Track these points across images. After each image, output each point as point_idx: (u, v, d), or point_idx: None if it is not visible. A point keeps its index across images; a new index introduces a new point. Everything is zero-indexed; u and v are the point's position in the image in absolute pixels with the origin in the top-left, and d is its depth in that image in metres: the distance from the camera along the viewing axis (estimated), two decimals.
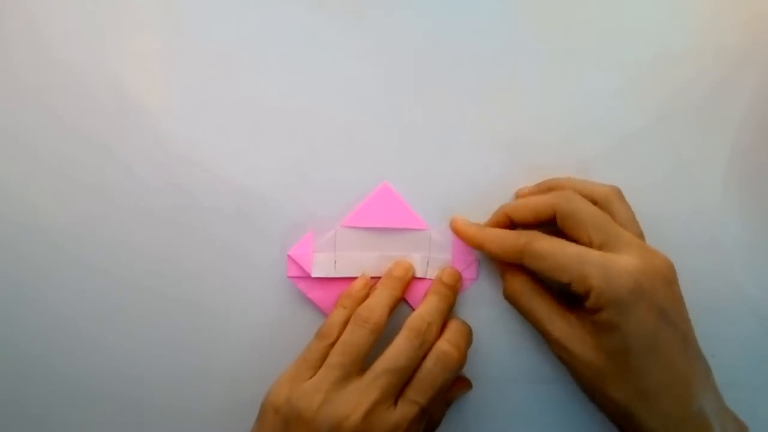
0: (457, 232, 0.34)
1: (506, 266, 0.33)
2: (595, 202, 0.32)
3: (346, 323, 0.32)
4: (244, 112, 0.36)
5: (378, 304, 0.32)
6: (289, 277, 0.35)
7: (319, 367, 0.31)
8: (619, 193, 0.33)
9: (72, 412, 0.36)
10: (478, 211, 0.35)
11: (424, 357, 0.31)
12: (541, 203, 0.32)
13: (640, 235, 0.32)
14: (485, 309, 0.36)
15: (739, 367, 0.35)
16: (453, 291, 0.34)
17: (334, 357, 0.31)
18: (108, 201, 0.36)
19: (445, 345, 0.31)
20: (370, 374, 0.30)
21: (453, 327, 0.32)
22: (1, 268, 0.36)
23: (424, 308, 0.32)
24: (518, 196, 0.35)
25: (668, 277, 0.29)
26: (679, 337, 0.28)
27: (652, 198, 0.36)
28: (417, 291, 0.35)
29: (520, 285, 0.32)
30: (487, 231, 0.33)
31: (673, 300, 0.29)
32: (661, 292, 0.28)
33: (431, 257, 0.35)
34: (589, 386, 0.30)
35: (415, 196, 0.36)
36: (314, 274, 0.35)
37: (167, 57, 0.36)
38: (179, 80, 0.36)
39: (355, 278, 0.35)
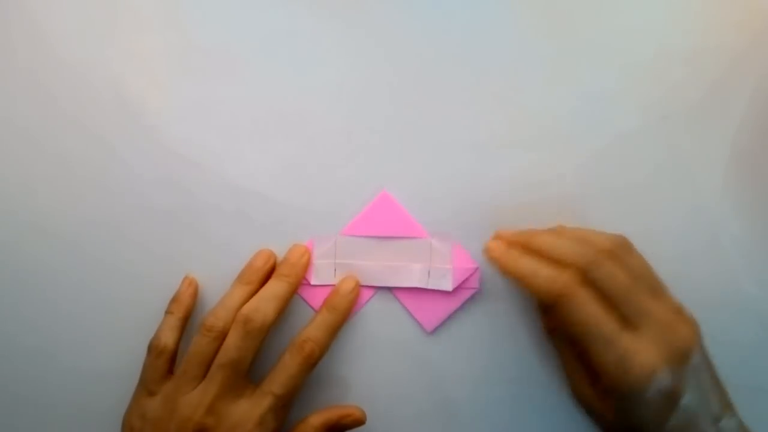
0: (491, 259, 0.32)
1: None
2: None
3: (175, 329, 0.33)
4: (244, 112, 0.36)
5: (223, 308, 0.33)
6: None
7: (159, 380, 0.32)
8: (625, 246, 0.30)
9: (78, 407, 0.36)
10: (478, 213, 0.35)
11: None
12: (569, 254, 0.29)
13: (655, 287, 0.30)
14: (486, 319, 0.36)
15: (739, 367, 0.35)
16: (295, 271, 0.34)
17: (181, 367, 0.32)
18: (108, 200, 0.36)
19: (301, 336, 0.33)
20: (209, 373, 0.32)
21: (315, 320, 0.34)
22: (1, 265, 0.36)
23: (257, 296, 0.33)
24: (497, 236, 0.34)
25: (688, 360, 0.28)
26: (694, 418, 0.28)
27: (651, 198, 0.36)
28: (418, 300, 0.35)
29: (555, 326, 0.33)
30: (528, 262, 0.30)
31: (692, 382, 0.28)
32: (679, 381, 0.27)
33: (432, 267, 0.35)
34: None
35: (415, 201, 0.36)
36: (314, 282, 0.35)
37: (167, 57, 0.36)
38: (179, 80, 0.36)
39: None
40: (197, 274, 0.36)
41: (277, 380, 0.32)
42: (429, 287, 0.35)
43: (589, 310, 0.28)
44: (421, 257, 0.35)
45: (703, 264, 0.35)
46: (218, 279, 0.35)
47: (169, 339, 0.33)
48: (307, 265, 0.35)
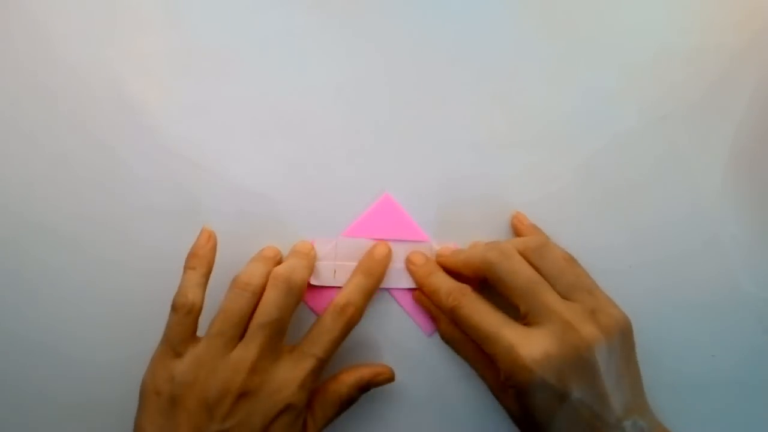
0: (408, 271, 0.35)
1: (438, 311, 0.34)
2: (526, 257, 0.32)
3: (199, 286, 0.32)
4: (244, 112, 0.36)
5: (256, 267, 0.32)
6: None
7: (188, 340, 0.31)
8: (542, 245, 0.32)
9: (79, 405, 0.36)
10: (478, 213, 0.35)
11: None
12: (477, 261, 0.32)
13: (572, 285, 0.31)
14: None
15: (739, 367, 0.35)
16: (311, 260, 0.34)
17: (215, 326, 0.31)
18: (108, 200, 0.36)
19: (341, 299, 0.32)
20: (247, 334, 0.30)
21: (352, 283, 0.33)
22: (3, 265, 0.36)
23: (290, 257, 0.33)
24: (438, 255, 0.35)
25: (584, 357, 0.28)
26: (588, 415, 0.28)
27: (651, 197, 0.36)
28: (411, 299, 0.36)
29: (450, 332, 0.34)
30: (430, 278, 0.34)
31: (585, 379, 0.28)
32: (569, 377, 0.28)
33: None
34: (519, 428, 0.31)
35: (414, 200, 0.36)
36: (314, 282, 0.35)
37: (167, 57, 0.36)
38: (179, 80, 0.36)
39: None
40: None
41: (319, 342, 0.31)
42: None
43: (476, 316, 0.30)
44: None
45: (703, 264, 0.35)
46: (218, 279, 0.35)
47: (196, 296, 0.31)
48: (314, 260, 0.35)
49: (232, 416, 0.29)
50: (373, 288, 0.34)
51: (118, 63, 0.36)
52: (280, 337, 0.31)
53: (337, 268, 0.35)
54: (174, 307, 0.31)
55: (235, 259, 0.35)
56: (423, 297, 0.35)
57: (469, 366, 0.34)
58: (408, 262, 0.35)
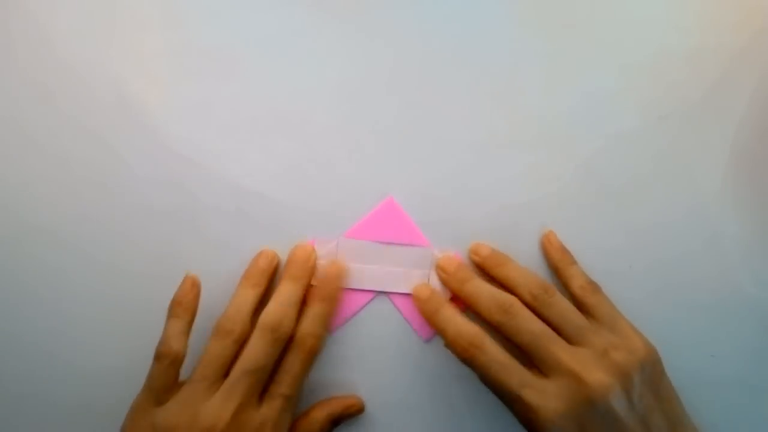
0: (415, 305, 0.35)
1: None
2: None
3: (183, 334, 0.32)
4: (244, 112, 0.36)
5: (238, 312, 0.32)
6: None
7: (171, 388, 0.31)
8: (547, 292, 0.32)
9: (77, 407, 0.36)
10: (478, 213, 0.35)
11: (286, 349, 0.32)
12: (484, 313, 0.32)
13: (580, 328, 0.31)
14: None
15: (739, 367, 0.35)
16: (306, 273, 0.34)
17: (198, 372, 0.31)
18: (108, 200, 0.36)
19: (301, 333, 0.32)
20: (230, 379, 0.31)
21: (309, 314, 0.33)
22: (2, 265, 0.36)
23: (276, 301, 0.33)
24: (439, 267, 0.35)
25: (599, 408, 0.29)
26: None
27: (651, 198, 0.36)
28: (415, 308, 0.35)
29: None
30: (444, 316, 0.33)
31: (606, 428, 0.29)
32: (588, 429, 0.28)
33: (432, 274, 0.35)
34: None
35: (414, 200, 0.36)
36: (313, 282, 0.35)
37: (167, 57, 0.36)
38: (179, 80, 0.36)
39: (353, 290, 0.35)
40: (197, 274, 0.35)
41: (285, 382, 0.32)
42: None
43: (491, 372, 0.30)
44: (421, 264, 0.35)
45: (703, 264, 0.35)
46: (218, 279, 0.35)
47: (180, 345, 0.31)
48: (314, 267, 0.35)
49: None
50: (332, 312, 0.34)
51: (118, 63, 0.36)
52: (262, 384, 0.31)
53: None
54: (157, 357, 0.31)
55: (235, 259, 0.35)
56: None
57: (468, 372, 0.34)
58: (414, 297, 0.35)
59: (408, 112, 0.36)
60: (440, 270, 0.35)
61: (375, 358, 0.35)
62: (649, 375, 0.30)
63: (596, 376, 0.29)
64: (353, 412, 0.34)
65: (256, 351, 0.31)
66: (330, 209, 0.36)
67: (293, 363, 0.32)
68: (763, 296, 0.35)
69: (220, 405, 0.30)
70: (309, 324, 0.33)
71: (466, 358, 0.31)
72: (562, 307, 0.32)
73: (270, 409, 0.31)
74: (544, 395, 0.29)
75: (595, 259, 0.33)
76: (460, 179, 0.36)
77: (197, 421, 0.30)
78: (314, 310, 0.33)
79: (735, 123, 0.36)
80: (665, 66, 0.36)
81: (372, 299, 0.36)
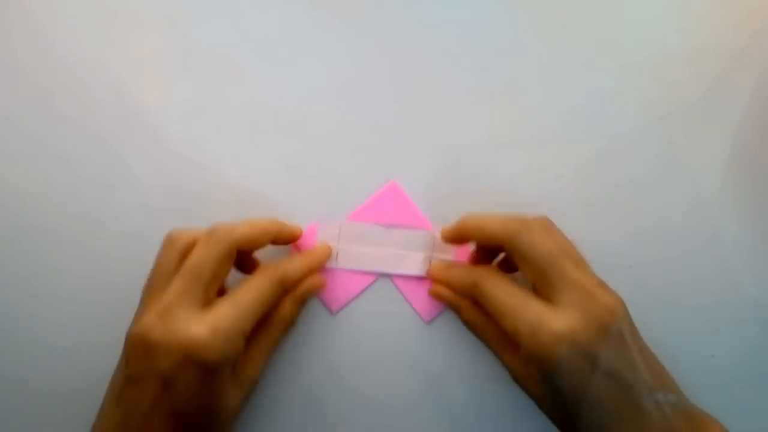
0: (432, 277, 0.35)
1: (460, 296, 0.33)
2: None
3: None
4: (244, 112, 0.36)
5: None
6: None
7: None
8: (549, 222, 0.31)
9: (76, 409, 0.36)
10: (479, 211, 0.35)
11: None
12: (497, 230, 0.31)
13: (579, 260, 0.30)
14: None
15: (739, 367, 0.35)
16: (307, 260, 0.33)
17: (146, 282, 0.31)
18: (108, 200, 0.36)
19: (274, 263, 0.31)
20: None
21: (296, 259, 0.33)
22: (2, 265, 0.36)
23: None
24: (443, 232, 0.34)
25: (609, 326, 0.28)
26: (621, 386, 0.27)
27: (651, 198, 0.36)
28: (417, 290, 0.36)
29: (473, 316, 0.33)
30: (450, 270, 0.34)
31: (614, 347, 0.28)
32: (598, 345, 0.27)
33: (434, 256, 0.35)
34: (546, 414, 0.30)
35: (418, 196, 0.36)
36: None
37: (167, 57, 0.36)
38: (179, 80, 0.36)
39: (357, 272, 0.35)
40: None
41: (241, 289, 0.29)
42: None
43: (499, 289, 0.30)
44: (423, 247, 0.35)
45: (703, 264, 0.35)
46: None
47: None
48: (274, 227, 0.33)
49: (135, 362, 0.28)
50: (314, 267, 0.34)
51: (118, 63, 0.36)
52: (199, 287, 0.28)
53: (340, 251, 0.35)
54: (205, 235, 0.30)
55: None
56: (441, 289, 0.34)
57: (468, 354, 0.34)
58: (429, 273, 0.35)
59: (408, 113, 0.36)
60: (443, 232, 0.34)
61: (376, 340, 0.35)
62: (631, 320, 0.30)
63: (607, 296, 0.28)
64: (314, 291, 0.34)
65: (196, 250, 0.29)
66: (330, 209, 0.36)
67: (255, 275, 0.30)
68: (763, 296, 0.35)
69: (153, 307, 0.28)
70: (289, 264, 0.32)
71: (475, 282, 0.31)
72: (562, 234, 0.31)
73: (211, 308, 0.28)
74: (553, 311, 0.28)
75: (595, 259, 0.33)
76: (460, 180, 0.36)
77: (136, 324, 0.29)
78: (301, 260, 0.33)
79: (735, 123, 0.36)
80: (665, 66, 0.36)
81: (374, 281, 0.36)
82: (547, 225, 0.31)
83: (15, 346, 0.36)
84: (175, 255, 0.30)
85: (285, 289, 0.31)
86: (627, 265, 0.35)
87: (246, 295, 0.29)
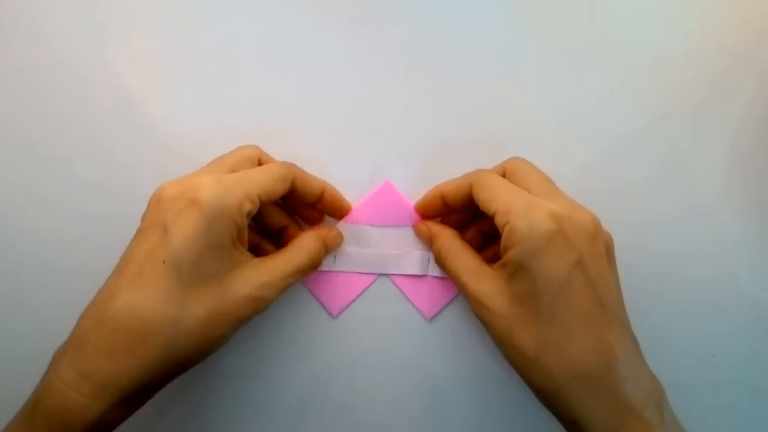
0: (420, 208, 0.35)
1: (434, 231, 0.34)
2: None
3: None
4: (244, 112, 0.36)
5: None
6: None
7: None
8: (525, 163, 0.32)
9: None
10: None
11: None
12: (464, 184, 0.32)
13: (556, 193, 0.30)
14: None
15: (739, 367, 0.35)
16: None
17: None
18: (108, 200, 0.36)
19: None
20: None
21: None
22: (2, 265, 0.36)
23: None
24: (415, 207, 0.35)
25: (591, 232, 0.28)
26: (594, 293, 0.27)
27: (651, 198, 0.36)
28: (417, 287, 0.35)
29: (446, 242, 0.32)
30: (441, 185, 0.33)
31: (594, 255, 0.28)
32: (581, 242, 0.27)
33: (432, 255, 0.35)
34: (499, 339, 0.29)
35: (415, 195, 0.36)
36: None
37: (167, 57, 0.36)
38: (179, 80, 0.36)
39: (356, 273, 0.35)
40: None
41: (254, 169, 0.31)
42: (429, 274, 0.35)
43: (497, 180, 0.30)
44: (421, 245, 0.35)
45: (703, 264, 0.35)
46: None
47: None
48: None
49: (145, 218, 0.30)
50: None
51: (118, 63, 0.36)
52: (220, 166, 0.31)
53: (338, 253, 0.35)
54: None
55: None
56: (422, 227, 0.35)
57: (469, 350, 0.34)
58: (417, 233, 0.35)
59: (408, 113, 0.36)
60: (417, 205, 0.35)
61: (379, 339, 0.35)
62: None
63: (584, 212, 0.29)
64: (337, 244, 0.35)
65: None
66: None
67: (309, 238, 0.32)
68: (762, 296, 0.35)
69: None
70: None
71: (473, 182, 0.31)
72: (533, 177, 0.31)
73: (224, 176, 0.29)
74: (545, 200, 0.28)
75: None
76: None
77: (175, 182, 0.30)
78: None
79: (735, 123, 0.36)
80: (665, 66, 0.36)
81: (374, 282, 0.36)
82: (512, 170, 0.31)
83: (11, 349, 0.36)
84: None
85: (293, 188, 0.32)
86: (627, 265, 0.35)
87: (257, 172, 0.30)
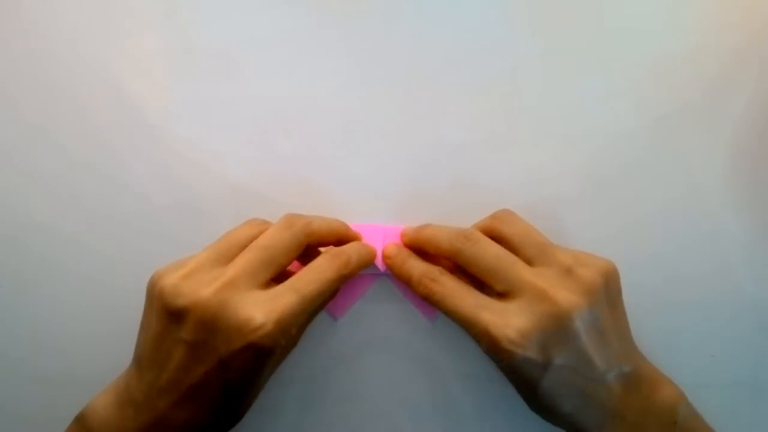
0: (387, 266, 0.34)
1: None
2: (489, 233, 0.32)
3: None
4: (244, 112, 0.36)
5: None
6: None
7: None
8: (501, 218, 0.32)
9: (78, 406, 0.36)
10: (478, 213, 0.35)
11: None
12: (445, 247, 0.31)
13: (542, 246, 0.30)
14: None
15: (739, 367, 0.35)
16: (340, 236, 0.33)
17: (211, 246, 0.30)
18: (108, 200, 0.36)
19: (339, 249, 0.31)
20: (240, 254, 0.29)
21: (355, 244, 0.33)
22: (3, 264, 0.36)
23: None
24: (402, 235, 0.34)
25: (563, 326, 0.28)
26: (575, 375, 0.28)
27: (651, 198, 0.36)
28: None
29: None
30: (402, 268, 0.33)
31: (567, 346, 0.28)
32: (549, 347, 0.28)
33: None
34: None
35: (414, 200, 0.36)
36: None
37: (167, 57, 0.36)
38: (179, 80, 0.36)
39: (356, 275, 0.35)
40: None
41: (305, 279, 0.29)
42: None
43: (448, 300, 0.30)
44: None
45: (703, 263, 0.35)
46: None
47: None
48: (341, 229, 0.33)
49: (191, 332, 0.27)
50: (370, 259, 0.33)
51: (118, 63, 0.36)
52: (266, 268, 0.29)
53: None
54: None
55: None
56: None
57: (469, 352, 0.34)
58: (384, 257, 0.34)
59: (408, 113, 0.36)
60: (402, 235, 0.34)
61: (380, 341, 0.35)
62: (611, 290, 0.30)
63: (563, 294, 0.28)
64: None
65: (265, 233, 0.30)
66: (330, 209, 0.36)
67: (324, 266, 0.30)
68: (762, 296, 0.35)
69: (215, 275, 0.28)
70: (350, 247, 0.32)
71: (427, 294, 0.31)
72: (520, 227, 0.31)
73: (277, 296, 0.28)
74: (505, 314, 0.28)
75: None
76: (460, 179, 0.36)
77: (185, 285, 0.28)
78: (357, 244, 0.33)
79: (735, 123, 0.36)
80: (665, 66, 0.36)
81: (374, 283, 0.36)
82: (500, 220, 0.32)
83: (11, 346, 0.36)
84: (252, 233, 0.31)
85: (348, 279, 0.31)
86: (627, 265, 0.35)
87: (310, 286, 0.29)
